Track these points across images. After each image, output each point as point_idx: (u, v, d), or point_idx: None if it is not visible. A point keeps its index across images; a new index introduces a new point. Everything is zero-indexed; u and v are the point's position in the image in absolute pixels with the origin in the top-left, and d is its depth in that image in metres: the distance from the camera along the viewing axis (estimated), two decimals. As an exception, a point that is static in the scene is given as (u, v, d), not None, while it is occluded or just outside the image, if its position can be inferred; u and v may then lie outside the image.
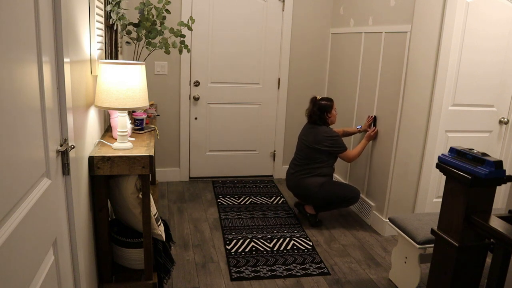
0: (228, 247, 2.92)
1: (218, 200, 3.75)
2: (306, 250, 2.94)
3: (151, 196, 2.03)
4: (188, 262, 2.73)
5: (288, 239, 3.09)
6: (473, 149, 1.80)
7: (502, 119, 3.25)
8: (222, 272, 2.63)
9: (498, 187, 2.76)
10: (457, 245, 1.79)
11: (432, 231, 1.95)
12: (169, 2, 2.73)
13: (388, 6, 3.14)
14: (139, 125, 2.49)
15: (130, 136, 2.26)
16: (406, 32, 2.91)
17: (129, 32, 2.83)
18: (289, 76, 4.20)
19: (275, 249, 2.93)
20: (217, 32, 3.95)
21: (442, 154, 1.89)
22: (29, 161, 1.11)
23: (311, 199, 3.28)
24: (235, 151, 4.30)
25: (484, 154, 1.74)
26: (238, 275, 2.59)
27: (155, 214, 2.13)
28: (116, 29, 2.68)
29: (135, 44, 2.89)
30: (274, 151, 4.38)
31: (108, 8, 2.34)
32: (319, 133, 3.21)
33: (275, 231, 3.20)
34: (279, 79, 4.19)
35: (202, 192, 3.95)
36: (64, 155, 1.44)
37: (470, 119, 3.18)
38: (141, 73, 1.95)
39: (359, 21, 3.60)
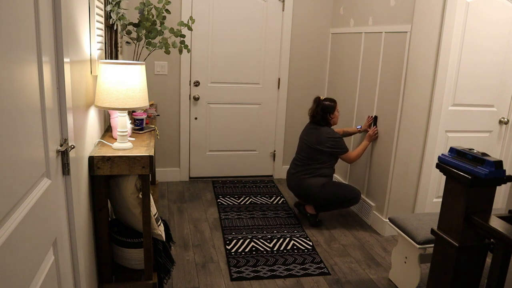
0: (228, 247, 2.92)
1: (218, 200, 3.75)
2: (306, 250, 2.94)
3: (151, 196, 2.03)
4: (188, 262, 2.73)
5: (288, 239, 3.09)
6: (473, 149, 1.80)
7: (502, 119, 3.25)
8: (222, 272, 2.63)
9: (498, 187, 2.76)
10: (457, 245, 1.79)
11: (432, 231, 1.95)
12: (169, 2, 2.73)
13: (388, 6, 3.14)
14: (139, 125, 2.49)
15: (130, 136, 2.26)
16: (406, 32, 2.91)
17: (129, 32, 2.83)
18: (289, 76, 4.20)
19: (275, 249, 2.93)
20: (217, 32, 3.95)
21: (442, 154, 1.89)
22: (29, 161, 1.11)
23: (312, 199, 3.28)
24: (235, 151, 4.30)
25: (484, 154, 1.74)
26: (238, 275, 2.59)
27: (155, 214, 2.13)
28: (116, 29, 2.68)
29: (135, 44, 2.89)
30: (274, 151, 4.38)
31: (108, 8, 2.34)
32: (321, 134, 3.21)
33: (275, 231, 3.20)
34: (279, 79, 4.19)
35: (202, 192, 3.95)
36: (64, 155, 1.44)
37: (470, 119, 3.18)
38: (141, 73, 1.95)
39: (359, 21, 3.60)
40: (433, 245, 2.05)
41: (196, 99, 4.06)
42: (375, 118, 3.31)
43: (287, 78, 4.20)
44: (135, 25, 2.72)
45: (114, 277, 2.12)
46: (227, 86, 4.11)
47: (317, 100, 3.28)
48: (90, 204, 1.93)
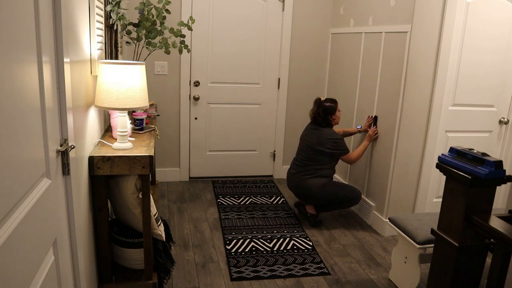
0: (228, 247, 2.92)
1: (218, 200, 3.75)
2: (306, 250, 2.94)
3: (151, 196, 2.03)
4: (188, 262, 2.73)
5: (288, 239, 3.09)
6: (473, 149, 1.80)
7: (502, 119, 3.25)
8: (222, 272, 2.63)
9: (498, 187, 2.76)
10: (457, 245, 1.79)
11: (432, 231, 1.95)
12: (169, 2, 2.73)
13: (388, 6, 3.14)
14: (139, 125, 2.49)
15: (130, 136, 2.26)
16: (406, 32, 2.91)
17: (129, 32, 2.83)
18: (289, 76, 4.20)
19: (275, 249, 2.93)
20: (217, 32, 3.95)
21: (442, 154, 1.89)
22: (29, 161, 1.11)
23: (312, 199, 3.28)
24: (235, 151, 4.30)
25: (484, 154, 1.74)
26: (238, 275, 2.59)
27: (155, 214, 2.13)
28: (116, 29, 2.68)
29: (135, 44, 2.89)
30: (274, 151, 4.38)
31: (108, 8, 2.34)
32: (322, 135, 3.20)
33: (275, 231, 3.20)
34: (279, 79, 4.19)
35: (202, 192, 3.95)
36: (64, 155, 1.44)
37: (470, 119, 3.18)
38: (141, 73, 1.95)
39: (359, 21, 3.60)
40: (433, 245, 2.05)
41: (196, 99, 4.06)
42: (375, 118, 3.31)
43: (287, 78, 4.20)
44: (135, 25, 2.72)
45: (114, 277, 2.12)
46: (227, 86, 4.11)
47: (318, 102, 3.28)
48: (90, 204, 1.93)
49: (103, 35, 2.25)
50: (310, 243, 3.04)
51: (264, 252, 2.88)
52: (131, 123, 2.44)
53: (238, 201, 3.75)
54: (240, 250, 2.89)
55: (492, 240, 1.77)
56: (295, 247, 2.98)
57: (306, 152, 3.28)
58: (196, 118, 4.11)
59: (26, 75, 1.10)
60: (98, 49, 2.06)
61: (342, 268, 2.75)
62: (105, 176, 1.94)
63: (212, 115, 4.14)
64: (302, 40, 4.15)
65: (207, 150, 4.23)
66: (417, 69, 2.94)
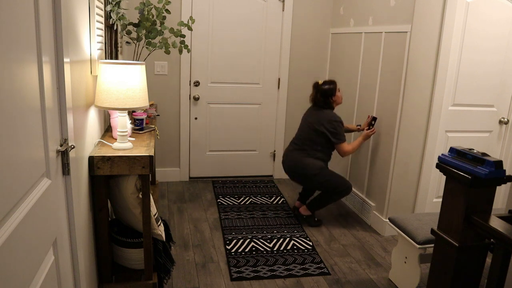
0: (228, 247, 2.92)
1: (218, 200, 3.75)
2: (306, 250, 2.94)
3: (151, 196, 2.03)
4: (188, 262, 2.73)
5: (288, 239, 3.09)
6: (473, 149, 1.80)
7: (502, 119, 3.26)
8: (222, 272, 2.63)
9: (498, 187, 2.76)
10: (457, 245, 1.79)
11: (432, 231, 1.95)
12: (169, 2, 2.73)
13: (388, 6, 3.14)
14: (139, 125, 2.49)
15: (130, 136, 2.26)
16: (406, 32, 2.91)
17: (129, 32, 2.83)
18: (289, 76, 4.20)
19: (275, 249, 2.93)
20: (217, 32, 3.95)
21: (442, 154, 1.89)
22: (29, 161, 1.11)
23: (306, 181, 3.24)
24: (235, 151, 4.30)
25: (484, 154, 1.74)
26: (238, 275, 2.59)
27: (155, 214, 2.13)
28: (116, 29, 2.68)
29: (135, 44, 2.89)
30: (274, 151, 4.38)
31: (108, 8, 2.34)
32: (323, 115, 3.18)
33: (275, 231, 3.20)
34: (279, 79, 4.19)
35: (202, 192, 3.95)
36: (64, 155, 1.44)
37: (470, 119, 3.18)
38: (141, 73, 1.95)
39: (359, 21, 3.60)
40: (433, 245, 2.05)
41: (196, 99, 4.06)
42: (375, 119, 3.29)
43: (287, 78, 4.20)
44: (135, 25, 2.72)
45: (114, 277, 2.12)
46: (227, 86, 4.11)
47: (316, 86, 3.24)
48: (90, 204, 1.93)
49: (103, 35, 2.25)
50: (310, 243, 3.04)
51: (264, 252, 2.88)
52: (131, 123, 2.45)
53: (238, 201, 3.75)
54: (240, 250, 2.89)
55: (492, 240, 1.77)
56: (295, 247, 2.98)
57: (305, 131, 3.24)
58: (196, 118, 4.11)
59: (26, 75, 1.10)
60: (98, 49, 2.06)
61: (342, 268, 2.75)
62: (105, 176, 1.94)
63: (212, 115, 4.14)
64: (302, 40, 4.16)
65: (207, 150, 4.23)
66: (417, 69, 2.94)
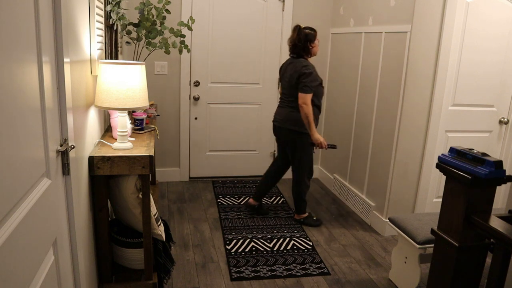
0: (228, 247, 2.92)
1: (218, 200, 3.75)
2: (306, 250, 2.94)
3: (151, 196, 2.03)
4: (188, 262, 2.73)
5: (288, 239, 3.09)
6: (473, 149, 1.80)
7: (502, 119, 3.26)
8: (222, 272, 2.63)
9: (498, 187, 2.76)
10: (457, 245, 1.79)
11: (432, 231, 1.95)
12: (169, 2, 2.73)
13: (388, 6, 3.14)
14: (139, 125, 2.49)
15: (130, 136, 2.26)
16: (406, 32, 2.91)
17: (129, 32, 2.83)
18: (289, 76, 4.20)
19: (275, 249, 2.93)
20: (217, 32, 3.95)
21: (442, 154, 1.89)
22: (29, 161, 1.11)
23: (290, 141, 3.15)
24: (235, 151, 4.30)
25: (484, 154, 1.74)
26: (238, 275, 2.59)
27: (155, 214, 2.13)
28: (116, 29, 2.68)
29: (135, 44, 2.89)
30: (274, 151, 4.37)
31: (108, 8, 2.34)
32: (297, 65, 3.06)
33: (275, 231, 3.20)
34: (279, 79, 4.19)
35: (202, 192, 3.95)
36: (64, 155, 1.44)
37: (470, 119, 3.18)
38: (141, 73, 1.95)
39: (359, 21, 3.60)
40: (433, 245, 2.05)
41: (196, 99, 4.06)
42: (334, 146, 3.16)
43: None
44: (135, 25, 2.72)
45: (114, 277, 2.12)
46: (227, 86, 4.11)
47: (298, 28, 3.10)
48: (90, 204, 1.93)
49: (103, 35, 2.25)
50: (310, 243, 3.04)
51: (264, 252, 2.88)
52: (131, 123, 2.45)
53: (238, 201, 3.74)
54: (240, 250, 2.89)
55: (492, 240, 1.77)
56: (295, 247, 2.98)
57: (287, 89, 3.15)
58: (196, 118, 4.11)
59: (26, 75, 1.10)
60: (98, 49, 2.06)
61: (342, 268, 2.75)
62: (105, 176, 1.94)
63: (212, 115, 4.14)
64: (302, 40, 4.15)
65: (207, 150, 4.23)
66: (417, 69, 2.94)
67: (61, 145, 1.41)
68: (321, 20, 4.16)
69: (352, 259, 2.87)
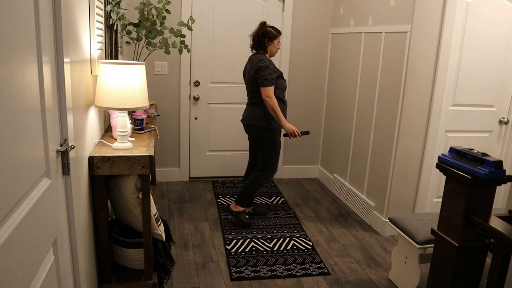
0: (228, 247, 2.92)
1: (218, 200, 3.75)
2: (306, 250, 2.94)
3: (151, 196, 2.03)
4: (188, 262, 2.73)
5: (288, 239, 3.09)
6: (473, 149, 1.80)
7: (502, 119, 3.26)
8: (222, 272, 2.63)
9: (498, 187, 2.76)
10: (457, 245, 1.79)
11: (432, 231, 1.95)
12: (169, 2, 2.73)
13: (388, 6, 3.14)
14: (139, 125, 2.49)
15: (130, 136, 2.26)
16: (406, 32, 2.91)
17: (129, 32, 2.83)
18: (289, 76, 4.20)
19: (275, 249, 2.93)
20: (217, 32, 3.95)
21: (442, 154, 1.89)
22: (29, 161, 1.11)
23: (258, 133, 3.18)
24: (235, 151, 4.30)
25: (484, 154, 1.74)
26: (238, 275, 2.59)
27: (155, 214, 2.13)
28: (116, 29, 2.68)
29: (135, 44, 2.89)
30: (274, 151, 4.37)
31: (108, 8, 2.34)
32: (253, 61, 3.11)
33: (275, 231, 3.20)
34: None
35: (202, 192, 3.95)
36: (64, 155, 1.44)
37: (470, 119, 3.18)
38: (141, 73, 1.95)
39: (359, 21, 3.60)
40: (433, 245, 2.05)
41: (196, 99, 4.06)
42: (307, 133, 3.20)
43: (287, 78, 4.19)
44: (135, 25, 2.72)
45: (114, 277, 2.12)
46: (227, 86, 4.10)
47: (262, 24, 3.14)
48: (90, 204, 1.93)
49: (103, 35, 2.25)
50: (310, 243, 3.04)
51: (264, 252, 2.88)
52: (131, 123, 2.45)
53: (238, 201, 3.74)
54: (240, 250, 2.89)
55: (492, 240, 1.77)
56: (295, 247, 2.98)
57: (249, 86, 3.19)
58: (196, 118, 4.11)
59: (26, 75, 1.10)
60: (98, 49, 2.06)
61: (342, 268, 2.75)
62: (105, 176, 1.94)
63: (212, 115, 4.14)
64: (302, 40, 4.15)
65: (207, 150, 4.23)
66: (417, 69, 2.94)
67: (61, 145, 1.41)
68: (321, 20, 4.16)
69: (352, 259, 2.87)
